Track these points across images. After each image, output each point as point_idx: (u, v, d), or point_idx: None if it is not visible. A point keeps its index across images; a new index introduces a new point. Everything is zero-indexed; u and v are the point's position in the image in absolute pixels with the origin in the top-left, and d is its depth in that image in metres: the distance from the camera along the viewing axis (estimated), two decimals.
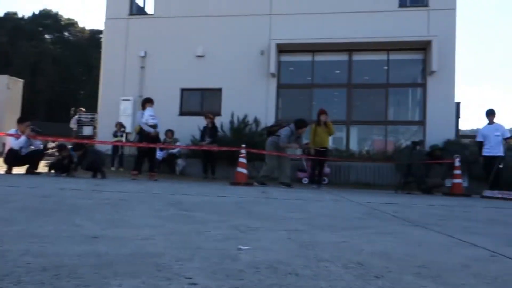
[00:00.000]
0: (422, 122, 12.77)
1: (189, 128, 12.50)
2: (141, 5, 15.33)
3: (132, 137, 12.65)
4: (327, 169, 11.30)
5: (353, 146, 13.52)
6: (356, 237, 2.70)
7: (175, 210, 3.68)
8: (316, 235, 2.70)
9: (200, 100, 13.98)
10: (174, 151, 12.27)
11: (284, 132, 9.43)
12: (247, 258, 1.88)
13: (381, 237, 2.74)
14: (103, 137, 13.08)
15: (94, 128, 15.12)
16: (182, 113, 13.69)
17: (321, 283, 1.52)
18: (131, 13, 14.58)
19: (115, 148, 12.67)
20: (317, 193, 7.75)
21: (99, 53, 16.42)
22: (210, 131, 11.59)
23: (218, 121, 12.30)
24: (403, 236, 2.86)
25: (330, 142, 10.69)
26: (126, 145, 12.51)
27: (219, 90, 13.51)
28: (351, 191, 9.25)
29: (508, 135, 9.80)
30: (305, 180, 11.33)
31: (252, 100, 12.99)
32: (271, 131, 9.87)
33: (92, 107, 17.24)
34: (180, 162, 12.29)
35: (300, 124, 9.50)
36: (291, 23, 13.16)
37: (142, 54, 13.98)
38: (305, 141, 11.20)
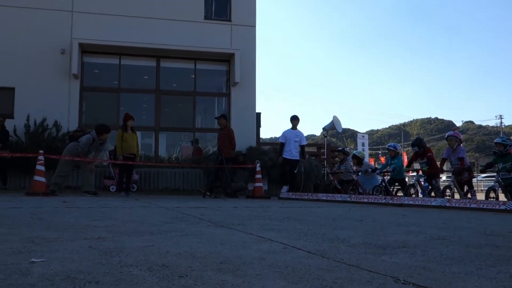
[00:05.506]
0: None
1: None
2: None
3: None
4: (135, 176, 11.07)
5: (162, 152, 13.55)
6: (162, 240, 2.69)
7: None
8: (121, 241, 2.61)
9: None
10: None
11: (84, 139, 8.94)
12: (40, 271, 1.71)
13: (187, 239, 2.78)
14: None
15: None
16: None
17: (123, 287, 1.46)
18: None
19: None
20: (125, 200, 7.52)
21: None
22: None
23: (10, 124, 10.96)
24: (208, 236, 2.96)
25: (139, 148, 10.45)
26: None
27: (11, 90, 11.92)
28: (161, 197, 9.24)
29: (305, 142, 10.99)
30: (113, 188, 10.88)
31: (52, 102, 11.84)
32: (74, 136, 9.25)
33: None
34: None
35: (101, 129, 9.08)
36: (95, 22, 12.48)
37: None
38: (111, 147, 10.81)
